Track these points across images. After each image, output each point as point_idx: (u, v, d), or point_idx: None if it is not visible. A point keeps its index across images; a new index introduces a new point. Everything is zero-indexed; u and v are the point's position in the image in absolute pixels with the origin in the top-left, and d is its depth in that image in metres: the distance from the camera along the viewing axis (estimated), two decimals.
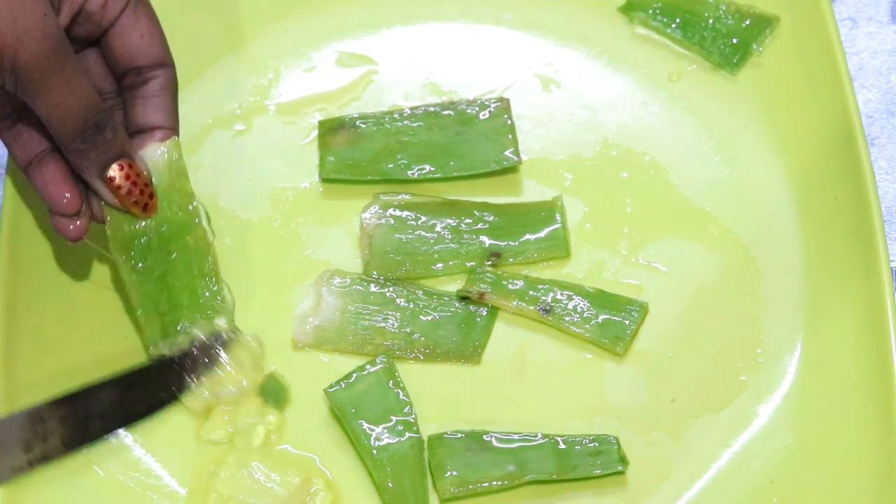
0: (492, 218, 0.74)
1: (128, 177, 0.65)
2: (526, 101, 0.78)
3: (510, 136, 0.76)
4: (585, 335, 0.71)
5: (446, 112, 0.77)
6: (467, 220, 0.74)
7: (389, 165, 0.76)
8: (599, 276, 0.73)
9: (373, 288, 0.73)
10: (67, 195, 0.65)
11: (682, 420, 0.69)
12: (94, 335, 0.72)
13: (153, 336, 0.68)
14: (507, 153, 0.76)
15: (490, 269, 0.73)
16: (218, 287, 0.69)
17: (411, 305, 0.72)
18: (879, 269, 0.69)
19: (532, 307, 0.72)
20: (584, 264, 0.74)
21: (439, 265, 0.74)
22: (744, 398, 0.70)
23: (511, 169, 0.76)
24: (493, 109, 0.77)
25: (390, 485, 0.67)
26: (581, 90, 0.79)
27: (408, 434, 0.68)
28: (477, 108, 0.77)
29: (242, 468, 0.68)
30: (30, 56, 0.59)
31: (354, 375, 0.70)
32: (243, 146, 0.78)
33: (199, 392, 0.68)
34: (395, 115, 0.77)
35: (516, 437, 0.68)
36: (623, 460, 0.67)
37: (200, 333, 0.69)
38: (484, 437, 0.68)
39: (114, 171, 0.65)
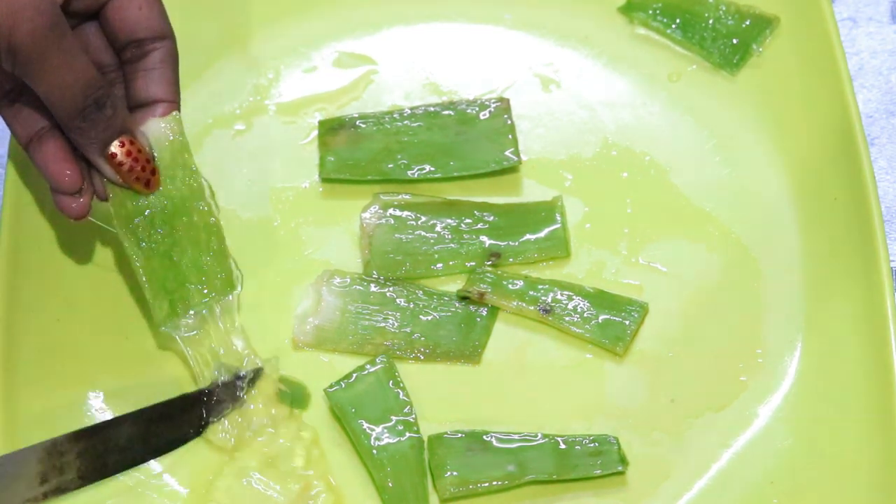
0: (492, 218, 0.74)
1: (129, 153, 0.65)
2: (526, 101, 0.78)
3: (510, 136, 0.76)
4: (585, 335, 0.71)
5: (446, 112, 0.77)
6: (467, 220, 0.74)
7: (389, 165, 0.76)
8: (599, 277, 0.73)
9: (373, 288, 0.73)
10: (68, 172, 0.64)
11: (682, 420, 0.69)
12: (94, 335, 0.72)
13: (162, 315, 0.67)
14: (507, 153, 0.76)
15: (490, 269, 0.73)
16: (225, 263, 0.68)
17: (411, 305, 0.72)
18: (879, 269, 0.69)
19: (532, 307, 0.72)
20: (584, 264, 0.74)
21: (439, 265, 0.73)
22: (744, 398, 0.69)
23: (511, 169, 0.76)
24: (493, 109, 0.77)
25: (390, 485, 0.67)
26: (581, 90, 0.79)
27: (408, 434, 0.68)
28: (477, 108, 0.77)
29: (241, 478, 0.68)
30: (25, 34, 0.58)
31: (354, 375, 0.70)
32: (243, 146, 0.78)
33: (228, 428, 0.68)
34: (395, 115, 0.77)
35: (516, 437, 0.68)
36: (623, 460, 0.67)
37: (224, 373, 0.69)
38: (484, 437, 0.68)
39: (115, 148, 0.64)
